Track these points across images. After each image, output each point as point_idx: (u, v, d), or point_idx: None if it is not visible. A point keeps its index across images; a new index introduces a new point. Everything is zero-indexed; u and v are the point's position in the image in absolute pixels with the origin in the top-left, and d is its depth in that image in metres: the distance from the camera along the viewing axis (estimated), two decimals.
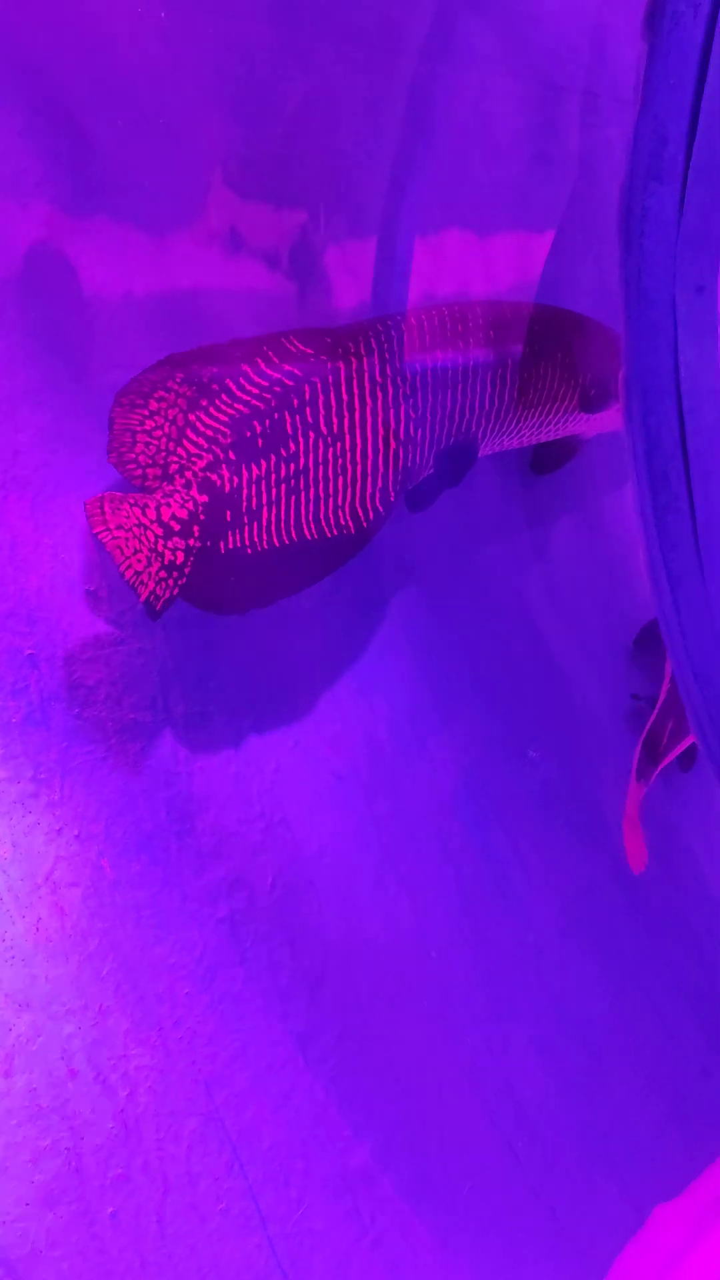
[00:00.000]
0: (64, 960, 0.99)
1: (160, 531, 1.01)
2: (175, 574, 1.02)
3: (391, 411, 1.10)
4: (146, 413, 1.03)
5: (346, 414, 1.07)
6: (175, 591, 1.03)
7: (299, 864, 1.16)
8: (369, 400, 1.09)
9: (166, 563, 1.01)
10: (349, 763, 1.22)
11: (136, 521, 1.00)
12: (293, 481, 1.06)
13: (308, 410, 1.06)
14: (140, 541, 1.00)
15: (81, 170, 1.07)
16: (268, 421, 1.04)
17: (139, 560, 1.00)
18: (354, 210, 1.23)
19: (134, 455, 1.03)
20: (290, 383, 1.05)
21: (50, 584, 1.04)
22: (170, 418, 1.02)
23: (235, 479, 1.03)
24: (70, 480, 1.07)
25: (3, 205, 1.03)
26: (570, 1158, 1.29)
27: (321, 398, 1.06)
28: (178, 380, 1.03)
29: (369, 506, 1.12)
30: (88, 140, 1.07)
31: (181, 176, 1.13)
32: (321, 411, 1.06)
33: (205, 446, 1.03)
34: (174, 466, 1.03)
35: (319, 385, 1.06)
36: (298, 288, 1.21)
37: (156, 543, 1.01)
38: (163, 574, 1.01)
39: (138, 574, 1.00)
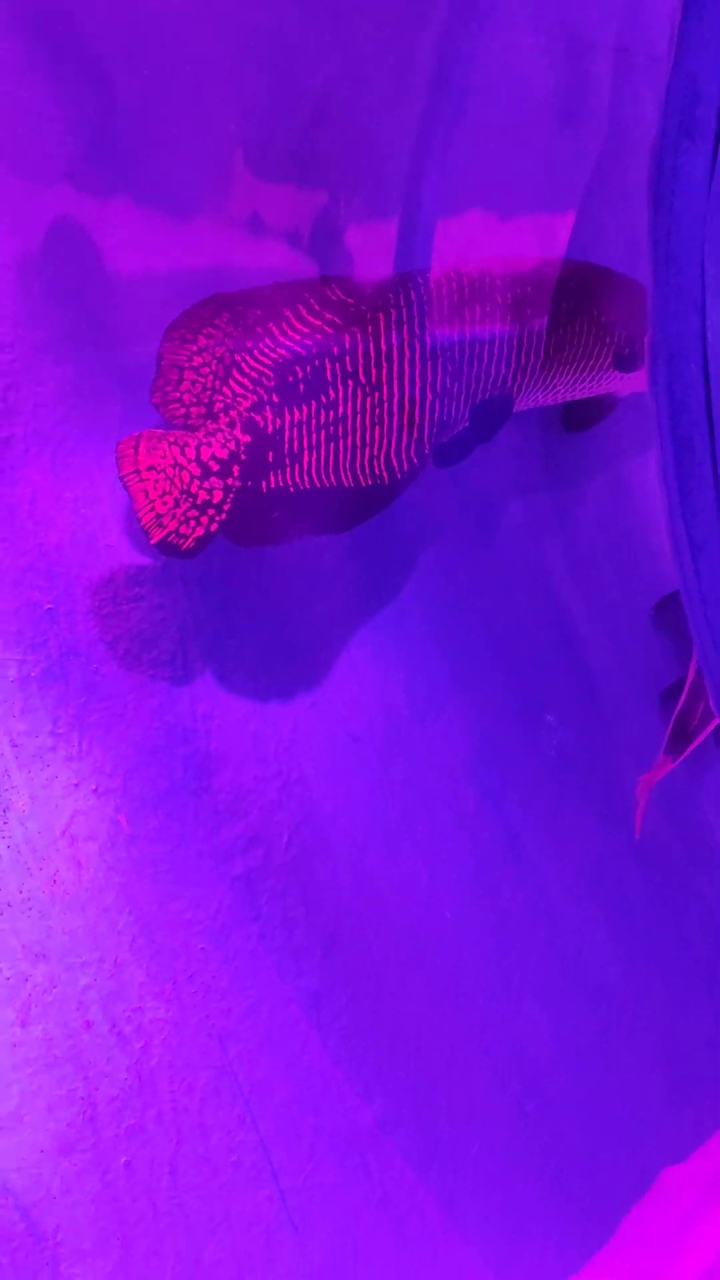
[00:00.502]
0: (81, 913, 1.00)
1: (197, 472, 1.01)
2: (212, 511, 1.02)
3: (429, 364, 1.10)
4: (195, 348, 1.03)
5: (385, 364, 1.07)
6: (214, 528, 1.03)
7: (315, 823, 1.16)
8: (407, 351, 1.08)
9: (200, 502, 1.02)
10: (366, 725, 1.22)
11: (172, 461, 1.00)
12: (331, 428, 1.06)
13: (347, 359, 1.06)
14: (171, 483, 1.00)
15: (106, 123, 1.06)
16: (309, 367, 1.04)
17: (164, 503, 1.00)
18: (376, 186, 1.21)
19: (179, 394, 1.03)
20: (331, 330, 1.05)
21: (70, 538, 1.04)
22: (218, 355, 1.03)
23: (278, 421, 1.03)
24: (91, 435, 1.06)
25: (25, 155, 1.02)
26: (578, 1122, 1.30)
27: (361, 347, 1.06)
28: (224, 320, 1.03)
29: (403, 458, 1.12)
30: (112, 91, 1.06)
31: (205, 142, 1.11)
32: (360, 361, 1.06)
33: (250, 387, 1.03)
34: (219, 405, 1.03)
35: (359, 335, 1.06)
36: (319, 267, 1.20)
37: (190, 483, 1.01)
38: (193, 513, 1.02)
39: (158, 516, 1.00)
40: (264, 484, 1.04)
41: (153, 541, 1.01)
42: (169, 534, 1.01)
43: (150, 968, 1.02)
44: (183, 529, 1.02)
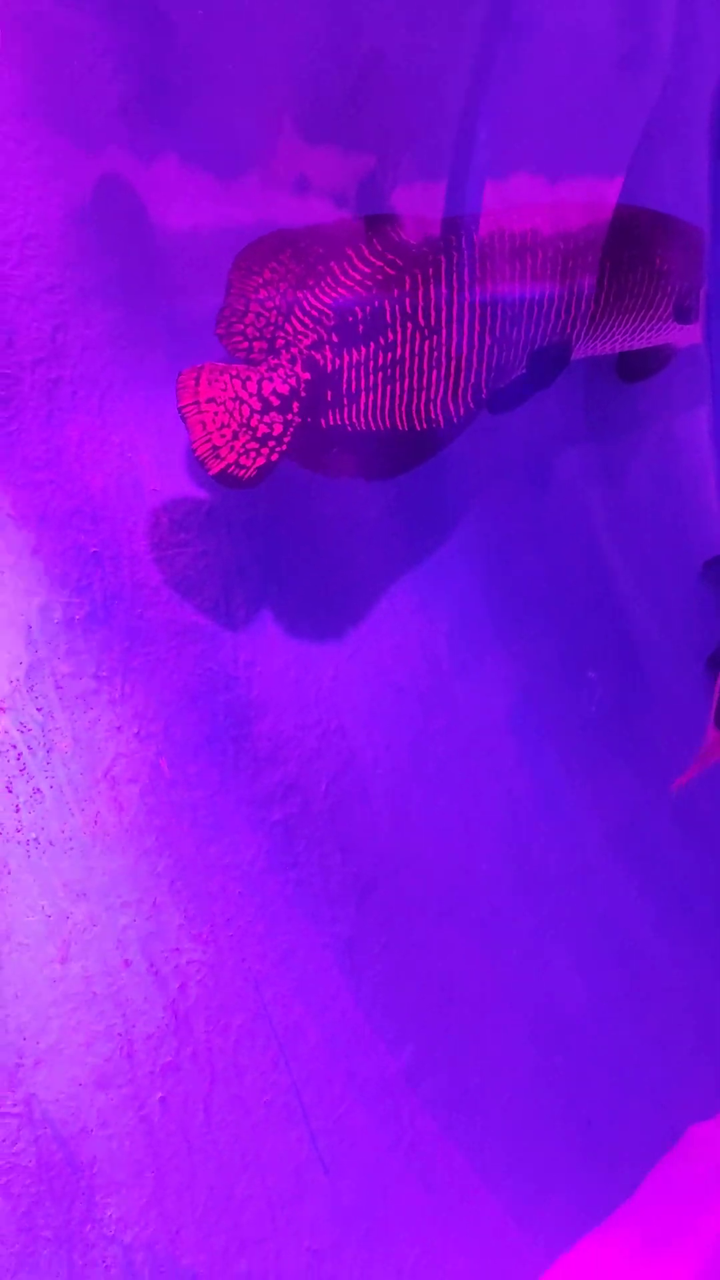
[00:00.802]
0: (121, 854, 1.01)
1: (258, 406, 1.02)
2: (272, 443, 1.04)
3: (488, 309, 1.09)
4: (260, 281, 1.04)
5: (444, 307, 1.07)
6: (275, 458, 1.04)
7: (353, 772, 1.17)
8: (466, 294, 1.08)
9: (260, 435, 1.03)
10: (407, 675, 1.22)
11: (234, 395, 1.01)
12: (389, 370, 1.06)
13: (407, 301, 1.06)
14: (230, 416, 1.01)
15: (157, 65, 1.04)
16: (369, 308, 1.05)
17: (222, 435, 1.01)
18: (427, 139, 1.19)
19: (243, 326, 1.04)
20: (392, 272, 1.05)
21: (116, 482, 1.04)
22: (281, 290, 1.04)
23: (337, 360, 1.04)
24: (138, 379, 1.06)
25: (77, 97, 1.01)
26: (607, 1074, 1.31)
27: (421, 290, 1.06)
28: (288, 255, 1.04)
29: (458, 403, 1.11)
30: (163, 32, 1.04)
31: (255, 91, 1.09)
32: (420, 303, 1.06)
33: (311, 326, 1.04)
34: (280, 341, 1.04)
35: (419, 277, 1.06)
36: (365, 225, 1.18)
37: (251, 417, 1.02)
38: (253, 445, 1.03)
39: (215, 448, 1.01)
40: (322, 421, 1.05)
41: (211, 473, 1.02)
42: (228, 465, 1.02)
43: (188, 910, 1.04)
44: (243, 460, 1.03)
